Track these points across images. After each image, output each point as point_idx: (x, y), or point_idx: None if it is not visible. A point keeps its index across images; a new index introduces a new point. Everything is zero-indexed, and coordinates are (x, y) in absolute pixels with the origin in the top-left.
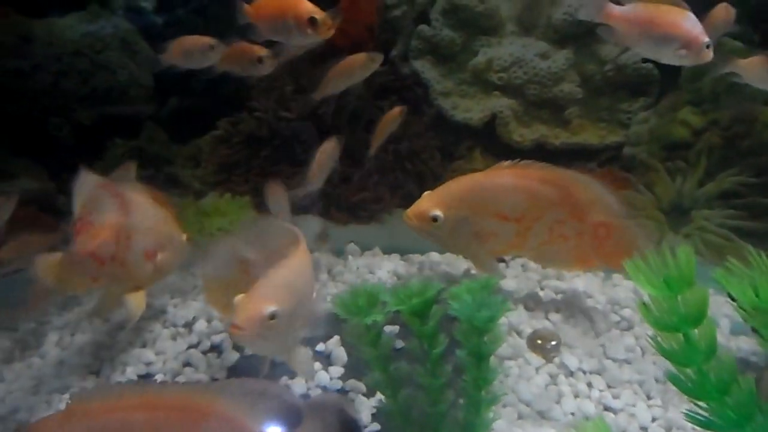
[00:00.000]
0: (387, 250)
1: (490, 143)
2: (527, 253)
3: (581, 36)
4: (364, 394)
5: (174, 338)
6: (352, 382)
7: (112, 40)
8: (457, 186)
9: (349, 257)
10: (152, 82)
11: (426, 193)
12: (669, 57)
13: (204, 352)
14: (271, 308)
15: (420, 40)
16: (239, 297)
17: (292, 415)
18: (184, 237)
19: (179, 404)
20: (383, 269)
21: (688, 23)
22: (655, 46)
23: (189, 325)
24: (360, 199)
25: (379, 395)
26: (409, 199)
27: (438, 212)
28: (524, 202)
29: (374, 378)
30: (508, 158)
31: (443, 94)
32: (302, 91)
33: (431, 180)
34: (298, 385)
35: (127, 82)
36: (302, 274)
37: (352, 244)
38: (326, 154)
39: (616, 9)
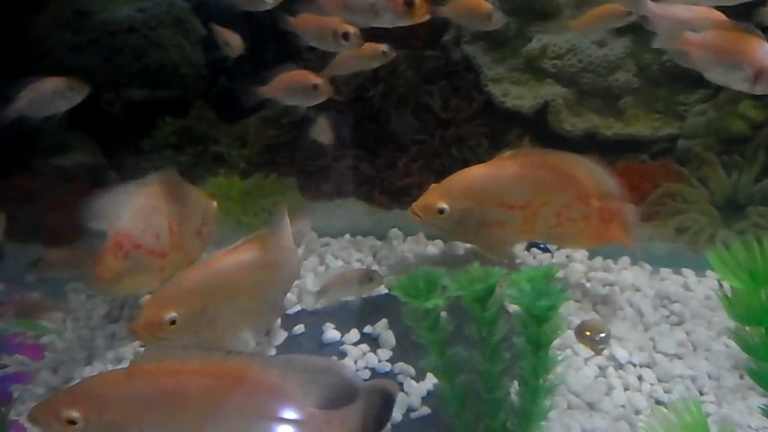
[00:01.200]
0: (431, 237)
1: (540, 132)
2: (539, 237)
3: (640, 24)
4: (413, 378)
5: None
6: (400, 365)
7: (165, 17)
8: (461, 178)
9: (393, 242)
10: (203, 60)
11: (432, 186)
12: (740, 84)
13: None
14: (170, 314)
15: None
16: (146, 298)
17: (347, 393)
18: (214, 204)
19: (238, 374)
20: (427, 254)
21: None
22: (727, 73)
23: None
24: (404, 185)
25: (429, 379)
26: None
27: (444, 204)
28: (528, 190)
29: (431, 362)
30: (560, 148)
31: (494, 80)
32: (354, 73)
33: None
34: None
35: (178, 61)
36: (228, 272)
37: (396, 228)
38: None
39: (693, 36)
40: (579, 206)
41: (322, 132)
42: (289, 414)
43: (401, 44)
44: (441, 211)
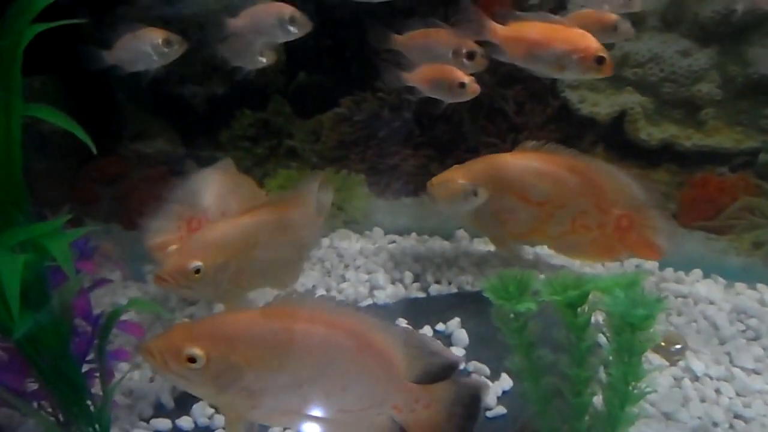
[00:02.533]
0: None
1: (615, 140)
2: (548, 241)
3: (728, 35)
4: (488, 377)
5: None
6: (474, 364)
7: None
8: (483, 162)
9: (462, 242)
10: (284, 55)
11: (454, 166)
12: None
13: None
14: (195, 263)
15: None
16: (171, 248)
17: (442, 371)
18: (264, 193)
19: (360, 333)
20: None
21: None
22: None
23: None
24: None
25: (504, 379)
26: None
27: (467, 184)
28: (548, 187)
29: (516, 363)
30: (634, 158)
31: (571, 86)
32: None
33: None
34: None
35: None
36: (249, 230)
37: (462, 230)
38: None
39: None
40: (596, 214)
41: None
42: (387, 382)
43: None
44: (474, 192)
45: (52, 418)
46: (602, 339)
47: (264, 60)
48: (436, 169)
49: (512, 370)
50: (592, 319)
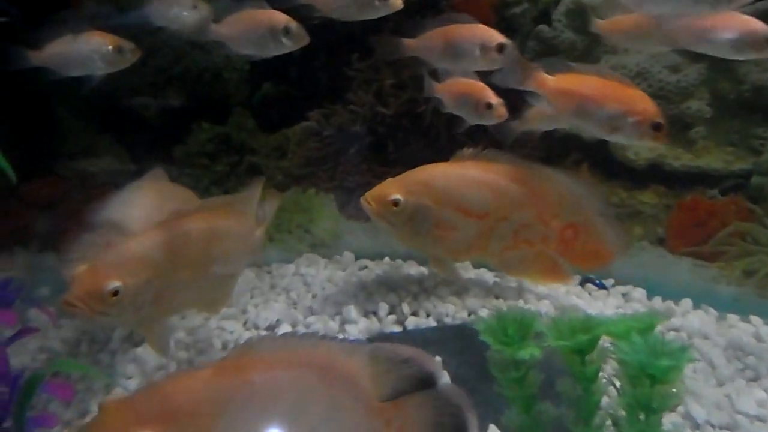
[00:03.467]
0: (477, 265)
1: (600, 158)
2: (490, 259)
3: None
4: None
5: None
6: None
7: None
8: (421, 173)
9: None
10: (247, 65)
11: (388, 179)
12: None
13: None
14: (112, 284)
15: (537, 41)
16: (80, 268)
17: (423, 387)
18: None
19: (324, 363)
20: (477, 286)
21: None
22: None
23: (272, 329)
24: None
25: (492, 430)
26: None
27: (399, 196)
28: (490, 198)
29: (514, 418)
30: (620, 178)
31: None
32: (402, 87)
33: None
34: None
35: (221, 64)
36: (174, 242)
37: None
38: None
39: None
40: (539, 227)
41: None
42: (354, 411)
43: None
44: (395, 203)
45: None
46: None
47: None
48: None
49: (509, 426)
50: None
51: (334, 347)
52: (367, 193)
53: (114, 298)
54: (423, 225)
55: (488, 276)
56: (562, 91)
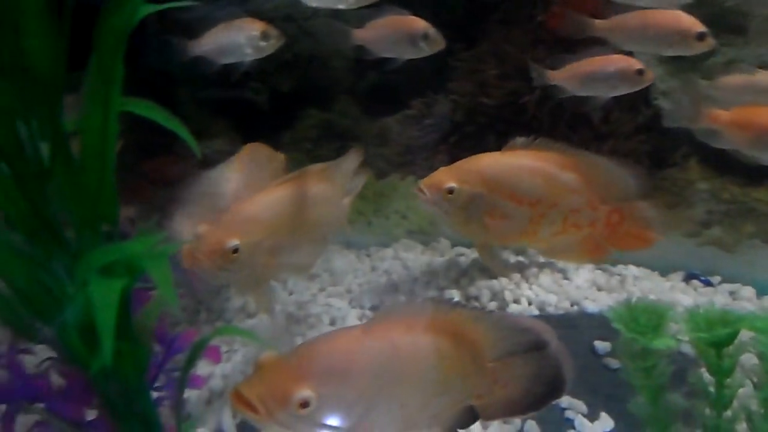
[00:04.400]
0: None
1: (710, 153)
2: (537, 244)
3: None
4: (585, 415)
5: (361, 320)
6: (568, 400)
7: (322, 8)
8: (474, 162)
9: (535, 259)
10: (354, 54)
11: (441, 168)
12: None
13: None
14: (233, 242)
15: None
16: (203, 227)
17: (530, 348)
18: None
19: (456, 329)
20: (580, 277)
21: None
22: None
23: (376, 309)
24: None
25: (604, 419)
26: None
27: (454, 184)
28: (541, 185)
29: (641, 407)
30: (732, 174)
31: (665, 93)
32: (507, 78)
33: None
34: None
35: (330, 53)
36: (282, 205)
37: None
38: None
39: None
40: (588, 212)
41: None
42: (475, 375)
43: (567, 49)
44: (450, 191)
45: None
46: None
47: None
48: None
49: (636, 414)
50: None
51: (464, 314)
52: (421, 181)
53: (234, 255)
54: (476, 212)
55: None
56: (738, 124)
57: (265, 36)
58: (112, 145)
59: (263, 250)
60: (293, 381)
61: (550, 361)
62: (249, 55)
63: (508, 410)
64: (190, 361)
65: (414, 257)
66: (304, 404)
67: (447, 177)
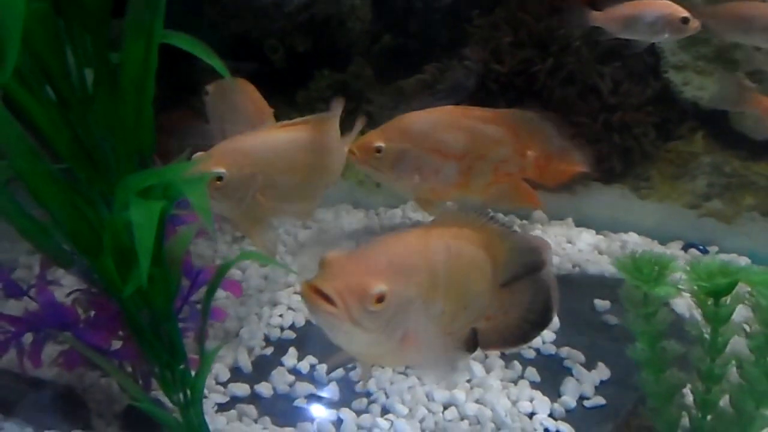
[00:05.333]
0: (579, 223)
1: (716, 128)
2: (474, 195)
3: None
4: (582, 365)
5: None
6: (567, 350)
7: None
8: (401, 121)
9: (537, 224)
10: (370, 15)
11: (371, 131)
12: None
13: None
14: (217, 170)
15: None
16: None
17: (531, 269)
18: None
19: (486, 243)
20: (582, 241)
21: None
22: None
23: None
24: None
25: (602, 368)
26: (610, 174)
27: (381, 143)
28: (465, 139)
29: (638, 352)
30: (736, 148)
31: (676, 67)
32: (520, 46)
33: (639, 157)
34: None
35: (346, 14)
36: (278, 146)
37: (539, 210)
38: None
39: None
40: (516, 160)
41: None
42: (491, 294)
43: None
44: (378, 150)
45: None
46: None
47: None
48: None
49: (633, 359)
50: None
51: (495, 230)
52: (352, 144)
53: (219, 182)
54: (405, 169)
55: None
56: None
57: (684, 20)
58: (152, 76)
59: (253, 185)
60: (369, 276)
61: (544, 288)
62: (657, 36)
63: (502, 340)
64: (213, 287)
65: (422, 217)
66: (380, 299)
67: (375, 137)
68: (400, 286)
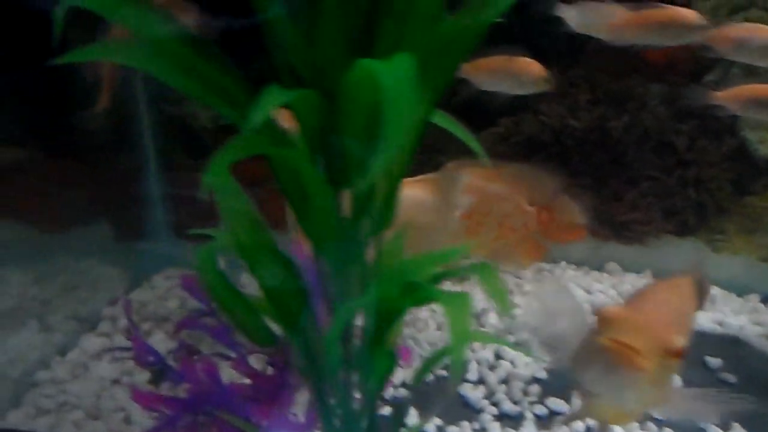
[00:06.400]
0: (656, 275)
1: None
2: (482, 252)
3: None
4: (716, 425)
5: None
6: None
7: None
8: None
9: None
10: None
11: None
12: None
13: None
14: None
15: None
16: None
17: None
18: None
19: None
20: None
21: None
22: None
23: (478, 317)
24: (628, 219)
25: (737, 429)
26: (683, 228)
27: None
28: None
29: None
30: None
31: (752, 126)
32: (596, 103)
33: (714, 211)
34: None
35: None
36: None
37: (613, 263)
38: None
39: None
40: (519, 214)
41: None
42: None
43: (658, 78)
44: None
45: None
46: None
47: None
48: (590, 198)
49: None
50: None
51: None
52: None
53: None
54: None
55: None
56: None
57: None
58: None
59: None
60: (668, 331)
61: None
62: None
63: None
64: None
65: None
66: (680, 353)
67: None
68: (688, 339)
